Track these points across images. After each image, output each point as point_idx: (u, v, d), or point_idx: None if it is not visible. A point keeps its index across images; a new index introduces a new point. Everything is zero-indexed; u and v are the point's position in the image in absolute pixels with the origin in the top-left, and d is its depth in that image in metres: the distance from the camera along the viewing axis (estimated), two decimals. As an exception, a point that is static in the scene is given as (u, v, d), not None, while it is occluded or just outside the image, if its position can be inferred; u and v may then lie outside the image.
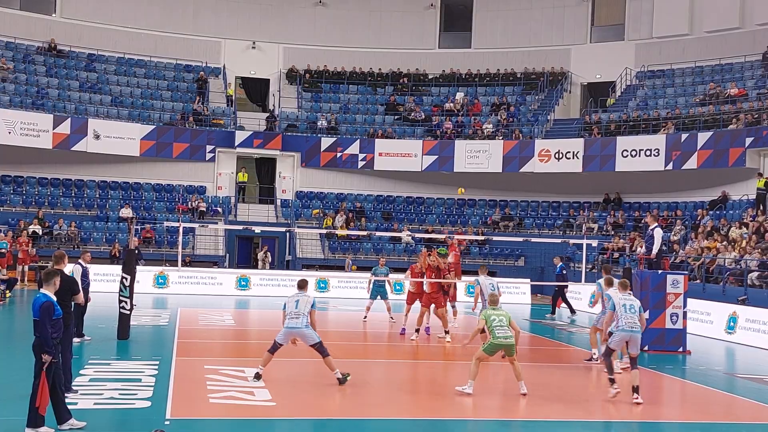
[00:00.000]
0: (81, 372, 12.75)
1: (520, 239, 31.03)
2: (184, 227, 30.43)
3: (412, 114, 40.37)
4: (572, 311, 25.56)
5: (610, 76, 39.83)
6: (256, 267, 34.31)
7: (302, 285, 12.96)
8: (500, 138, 37.58)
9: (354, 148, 37.98)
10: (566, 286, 25.57)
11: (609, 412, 12.13)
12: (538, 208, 38.48)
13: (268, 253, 34.49)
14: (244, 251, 36.59)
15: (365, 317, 21.29)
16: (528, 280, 31.24)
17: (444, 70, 42.96)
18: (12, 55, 37.97)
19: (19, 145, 33.79)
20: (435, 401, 12.38)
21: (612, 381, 12.39)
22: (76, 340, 14.26)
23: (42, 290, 9.52)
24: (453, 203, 39.05)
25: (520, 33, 41.80)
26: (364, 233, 33.19)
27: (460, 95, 41.40)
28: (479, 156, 37.17)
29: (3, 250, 27.60)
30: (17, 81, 36.75)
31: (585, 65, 40.69)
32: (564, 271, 25.75)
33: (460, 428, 11.12)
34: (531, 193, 38.67)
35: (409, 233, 34.52)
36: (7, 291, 23.54)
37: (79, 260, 16.10)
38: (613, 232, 33.66)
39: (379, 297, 21.36)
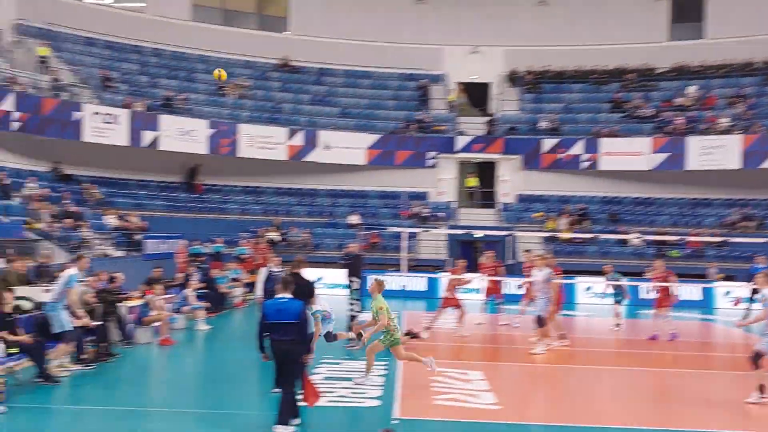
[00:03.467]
0: (314, 371, 13.50)
1: (763, 241, 29.03)
2: (407, 232, 31.30)
3: (639, 111, 39.02)
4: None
5: None
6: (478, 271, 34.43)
7: None
8: (738, 133, 35.48)
9: (577, 149, 37.29)
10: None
11: None
12: (783, 207, 35.91)
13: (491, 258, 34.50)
14: (466, 255, 36.85)
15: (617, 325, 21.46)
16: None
17: (674, 64, 41.17)
18: (250, 73, 40.73)
19: (258, 158, 36.18)
20: (672, 411, 11.97)
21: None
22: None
23: (284, 294, 9.92)
24: (686, 203, 37.30)
25: (760, 19, 39.19)
26: (590, 236, 32.47)
27: (692, 89, 39.49)
28: (714, 152, 35.29)
29: (244, 256, 29.70)
30: (255, 97, 39.38)
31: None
32: None
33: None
34: (774, 191, 36.20)
35: (639, 236, 33.37)
36: (249, 294, 25.27)
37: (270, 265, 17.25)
38: None
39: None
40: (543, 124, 38.72)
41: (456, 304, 19.06)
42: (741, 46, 39.70)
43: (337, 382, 12.83)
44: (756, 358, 12.08)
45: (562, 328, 18.38)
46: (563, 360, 15.94)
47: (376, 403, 11.44)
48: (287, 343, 9.71)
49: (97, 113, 31.90)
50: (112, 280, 16.52)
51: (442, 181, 38.33)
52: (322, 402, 11.38)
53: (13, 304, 12.77)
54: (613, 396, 12.98)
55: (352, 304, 17.48)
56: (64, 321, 13.02)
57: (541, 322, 16.73)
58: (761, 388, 12.00)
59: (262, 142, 35.97)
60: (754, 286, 21.84)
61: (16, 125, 29.26)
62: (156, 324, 17.13)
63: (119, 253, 26.96)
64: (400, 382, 12.96)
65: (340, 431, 10.36)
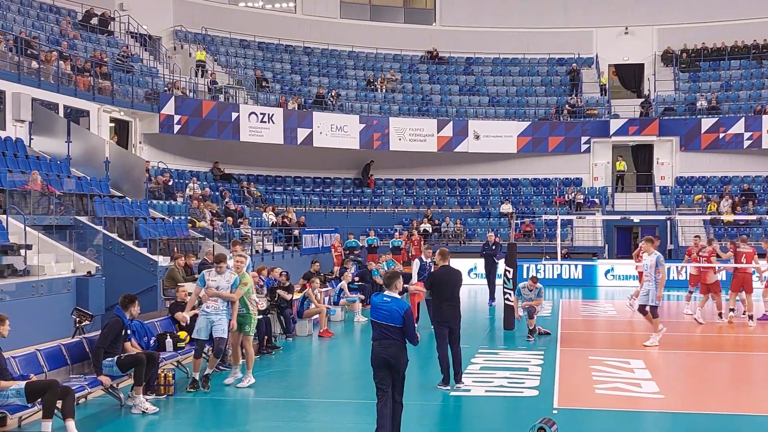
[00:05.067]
0: (472, 360, 13.62)
1: None
2: (561, 220, 30.85)
3: (805, 85, 36.86)
4: None
5: None
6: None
7: None
8: None
9: (738, 127, 35.59)
10: None
11: None
12: None
13: (649, 243, 33.50)
14: (623, 241, 36.00)
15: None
16: None
17: (841, 33, 38.65)
18: (399, 66, 41.21)
19: (409, 150, 36.58)
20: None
21: None
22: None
23: (390, 293, 8.90)
24: None
25: None
26: (754, 218, 30.97)
27: None
28: None
29: (399, 247, 30.15)
30: (404, 90, 39.81)
31: None
32: None
33: None
34: None
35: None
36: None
37: (421, 255, 17.52)
38: None
39: None
40: (701, 104, 37.19)
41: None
42: None
43: (494, 372, 12.88)
44: None
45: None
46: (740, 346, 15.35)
47: (534, 393, 11.42)
48: (387, 347, 8.61)
49: (252, 113, 33.17)
50: (281, 275, 17.00)
51: (597, 165, 37.53)
52: (480, 392, 11.51)
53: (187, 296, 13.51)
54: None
55: (506, 293, 17.47)
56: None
57: (651, 311, 15.42)
58: None
59: (413, 134, 36.33)
60: None
61: (177, 128, 30.83)
62: (315, 317, 17.69)
63: (278, 249, 27.95)
64: (558, 371, 12.87)
65: (498, 421, 10.41)
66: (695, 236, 22.24)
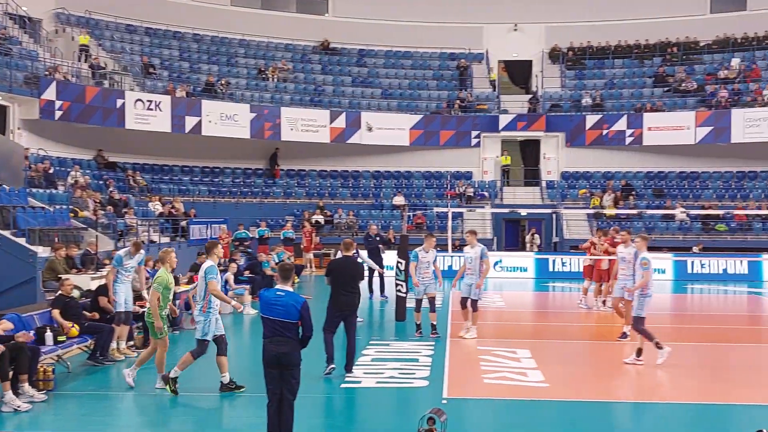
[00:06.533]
0: (363, 352, 13.58)
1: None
2: (452, 212, 31.25)
3: (683, 84, 38.41)
4: None
5: None
6: (524, 249, 34.39)
7: None
8: (783, 104, 34.83)
9: (621, 125, 36.85)
10: None
11: None
12: (832, 178, 35.25)
13: (536, 235, 34.42)
14: (511, 234, 36.79)
15: None
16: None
17: (717, 36, 40.45)
18: (291, 56, 40.83)
19: (301, 141, 36.29)
20: (717, 385, 11.84)
21: None
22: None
23: (283, 286, 8.42)
24: (731, 176, 36.73)
25: (803, -12, 38.36)
26: (634, 212, 32.15)
27: (735, 61, 38.80)
28: (760, 124, 34.68)
29: (291, 238, 29.92)
30: (296, 80, 39.47)
31: None
32: None
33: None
34: (821, 162, 35.52)
35: (684, 210, 32.96)
36: (296, 276, 25.43)
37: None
38: None
39: None
40: (586, 101, 38.30)
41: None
42: (784, 17, 38.97)
43: (385, 363, 12.88)
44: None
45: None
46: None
47: (424, 383, 11.46)
48: (280, 345, 8.13)
49: (139, 100, 32.26)
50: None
51: (486, 160, 38.15)
52: (371, 383, 11.48)
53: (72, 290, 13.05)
54: (669, 371, 12.85)
55: (398, 285, 17.51)
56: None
57: (473, 305, 15.41)
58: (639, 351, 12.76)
59: (305, 125, 36.07)
60: None
61: (58, 114, 29.68)
62: (204, 308, 17.25)
63: (165, 239, 27.28)
64: (447, 362, 12.97)
65: (389, 412, 10.40)
66: (598, 230, 22.95)
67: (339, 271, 12.19)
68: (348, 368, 11.96)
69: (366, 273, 20.28)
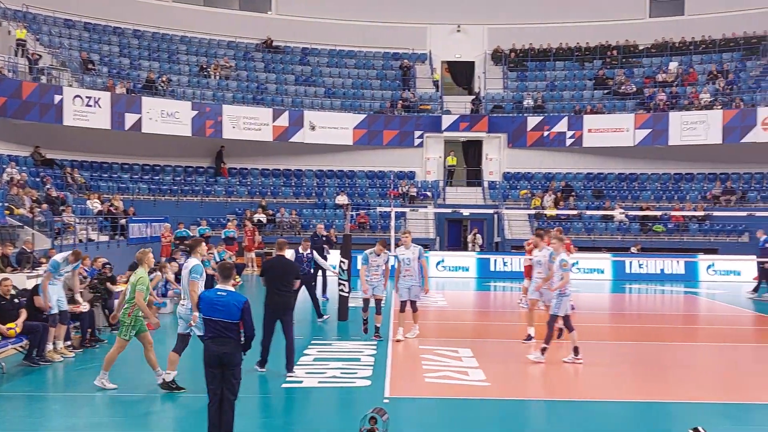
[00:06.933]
0: (305, 352, 13.52)
1: (744, 214, 29.41)
2: (395, 212, 31.28)
3: (623, 87, 39.09)
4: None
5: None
6: (466, 249, 34.62)
7: None
8: (719, 108, 35.64)
9: (561, 126, 37.34)
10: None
11: None
12: (763, 180, 36.16)
13: (478, 235, 34.68)
14: (454, 234, 37.01)
15: None
16: (754, 257, 29.47)
17: (656, 40, 41.28)
18: (233, 53, 40.46)
19: (243, 139, 35.99)
20: (654, 384, 12.06)
21: None
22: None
23: (224, 286, 8.42)
24: (669, 178, 37.50)
25: (739, -5, 39.33)
26: (575, 212, 32.60)
27: (673, 65, 39.62)
28: (696, 128, 35.45)
29: (232, 237, 29.63)
30: (238, 78, 39.13)
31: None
32: None
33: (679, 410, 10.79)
34: (754, 164, 36.39)
35: (623, 211, 33.53)
36: (237, 276, 25.22)
37: (299, 247, 17.20)
38: None
39: None
40: (528, 102, 38.71)
41: None
42: (720, 22, 39.92)
43: (328, 362, 12.84)
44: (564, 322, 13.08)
45: None
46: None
47: (366, 383, 11.46)
48: (222, 345, 8.13)
49: (77, 96, 31.65)
50: (105, 266, 16.38)
51: (429, 160, 38.31)
52: (313, 383, 11.43)
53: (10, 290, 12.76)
54: (607, 370, 13.04)
55: (341, 284, 17.47)
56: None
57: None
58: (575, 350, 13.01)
59: (247, 123, 35.78)
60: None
61: (-6, 110, 28.98)
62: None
63: (104, 238, 26.82)
64: (390, 361, 12.98)
65: (331, 412, 10.37)
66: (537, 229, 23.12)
67: (273, 271, 12.30)
68: (289, 368, 11.95)
69: (320, 273, 20.31)
